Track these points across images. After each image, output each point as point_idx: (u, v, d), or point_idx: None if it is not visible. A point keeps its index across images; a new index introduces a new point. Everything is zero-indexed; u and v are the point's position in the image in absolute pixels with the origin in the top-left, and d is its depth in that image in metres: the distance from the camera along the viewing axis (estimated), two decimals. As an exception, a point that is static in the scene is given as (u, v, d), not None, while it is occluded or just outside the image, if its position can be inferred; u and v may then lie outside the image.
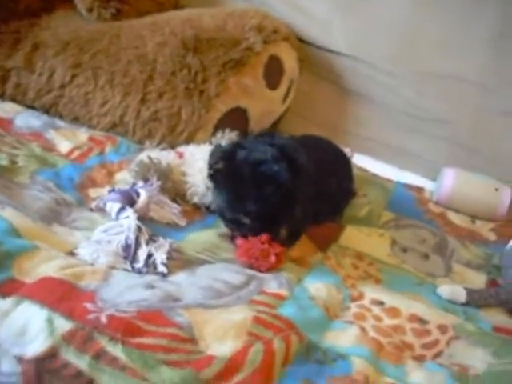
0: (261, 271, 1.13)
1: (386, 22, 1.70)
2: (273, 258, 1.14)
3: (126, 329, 0.85)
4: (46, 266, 0.98)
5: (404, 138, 1.72)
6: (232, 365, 0.85)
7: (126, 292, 0.95)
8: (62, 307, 0.87)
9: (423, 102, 1.70)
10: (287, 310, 1.02)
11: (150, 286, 0.99)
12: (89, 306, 0.89)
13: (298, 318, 1.01)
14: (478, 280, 1.33)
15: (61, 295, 0.90)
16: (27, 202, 1.19)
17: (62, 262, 1.00)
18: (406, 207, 1.55)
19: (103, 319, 0.86)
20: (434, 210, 1.57)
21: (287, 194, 1.13)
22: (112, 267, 1.03)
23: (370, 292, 1.17)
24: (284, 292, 1.07)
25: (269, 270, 1.14)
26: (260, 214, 1.15)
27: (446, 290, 1.24)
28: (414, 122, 1.71)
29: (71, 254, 1.06)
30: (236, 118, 1.57)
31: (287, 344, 0.93)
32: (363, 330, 1.05)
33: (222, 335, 0.90)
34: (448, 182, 1.57)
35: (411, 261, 1.34)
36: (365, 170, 1.64)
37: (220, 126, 1.50)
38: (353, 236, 1.37)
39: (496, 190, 1.57)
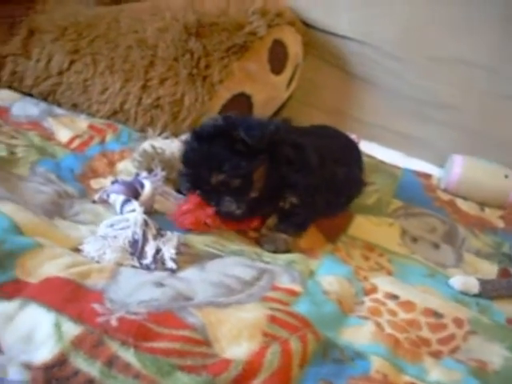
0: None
1: (393, 5, 1.65)
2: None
3: (137, 332, 0.80)
4: (50, 265, 0.92)
5: (411, 124, 1.67)
6: (249, 368, 0.80)
7: (135, 291, 0.90)
8: (69, 309, 0.82)
9: (430, 87, 1.64)
10: (302, 307, 0.97)
11: (160, 284, 0.94)
12: (97, 307, 0.84)
13: (312, 315, 0.96)
14: (490, 270, 1.29)
15: (68, 296, 0.85)
16: (28, 196, 1.13)
17: (67, 260, 0.94)
18: (414, 195, 1.50)
19: (113, 322, 0.81)
20: (443, 197, 1.53)
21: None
22: (119, 264, 0.98)
23: (383, 285, 1.12)
24: (297, 287, 1.02)
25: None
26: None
27: (458, 281, 1.19)
28: (421, 108, 1.66)
29: (76, 250, 1.01)
30: (240, 104, 1.51)
31: (304, 343, 0.88)
32: (379, 325, 1.01)
33: (236, 336, 0.85)
34: (457, 169, 1.53)
35: (421, 251, 1.30)
36: (372, 157, 1.59)
37: (224, 112, 1.45)
38: (362, 226, 1.33)
39: (506, 176, 1.53)
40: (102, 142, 1.42)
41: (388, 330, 1.00)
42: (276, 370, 0.82)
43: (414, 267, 1.24)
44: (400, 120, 1.67)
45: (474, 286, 1.18)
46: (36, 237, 0.99)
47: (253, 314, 0.91)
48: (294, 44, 1.64)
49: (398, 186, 1.51)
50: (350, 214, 1.35)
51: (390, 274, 1.19)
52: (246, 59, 1.50)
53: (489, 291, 1.18)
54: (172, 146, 1.31)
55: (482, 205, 1.53)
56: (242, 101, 1.52)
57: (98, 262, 0.98)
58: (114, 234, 1.02)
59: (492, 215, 1.50)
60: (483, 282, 1.19)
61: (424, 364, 0.95)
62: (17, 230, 0.98)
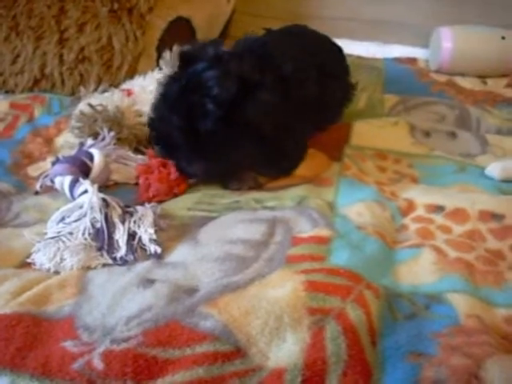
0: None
1: None
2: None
3: (136, 369, 0.50)
4: (-10, 299, 0.61)
5: (379, 7, 1.40)
6: (312, 373, 0.52)
7: (116, 303, 0.60)
8: (29, 362, 0.52)
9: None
10: (340, 256, 0.69)
11: (148, 281, 0.64)
12: (69, 346, 0.54)
13: (357, 263, 0.68)
14: (518, 146, 1.04)
15: (23, 341, 0.55)
16: None
17: (12, 285, 0.64)
18: (406, 85, 1.25)
19: (97, 363, 0.51)
20: (439, 79, 1.28)
21: None
22: (85, 268, 0.68)
23: (419, 197, 0.85)
24: (324, 231, 0.74)
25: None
26: None
27: (495, 168, 0.95)
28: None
29: (25, 265, 0.70)
30: (180, 32, 1.24)
31: (365, 308, 0.60)
32: (438, 250, 0.73)
33: (276, 328, 0.56)
34: (446, 44, 1.27)
35: (439, 144, 1.03)
36: (347, 55, 1.28)
37: (163, 45, 1.17)
38: (364, 132, 1.05)
39: (503, 38, 1.27)
40: (31, 119, 1.13)
41: (452, 253, 0.73)
42: (348, 360, 0.54)
43: (440, 165, 0.97)
44: (365, 5, 1.37)
45: (513, 169, 0.93)
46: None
47: (284, 287, 0.62)
48: None
49: (385, 79, 1.25)
50: (347, 124, 1.06)
51: (415, 181, 0.93)
52: (173, -25, 1.20)
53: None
54: (114, 99, 1.00)
55: (483, 77, 1.27)
56: (181, 27, 1.24)
57: (56, 273, 0.67)
58: (68, 230, 0.71)
59: (497, 86, 1.28)
60: (523, 161, 0.94)
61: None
62: None
